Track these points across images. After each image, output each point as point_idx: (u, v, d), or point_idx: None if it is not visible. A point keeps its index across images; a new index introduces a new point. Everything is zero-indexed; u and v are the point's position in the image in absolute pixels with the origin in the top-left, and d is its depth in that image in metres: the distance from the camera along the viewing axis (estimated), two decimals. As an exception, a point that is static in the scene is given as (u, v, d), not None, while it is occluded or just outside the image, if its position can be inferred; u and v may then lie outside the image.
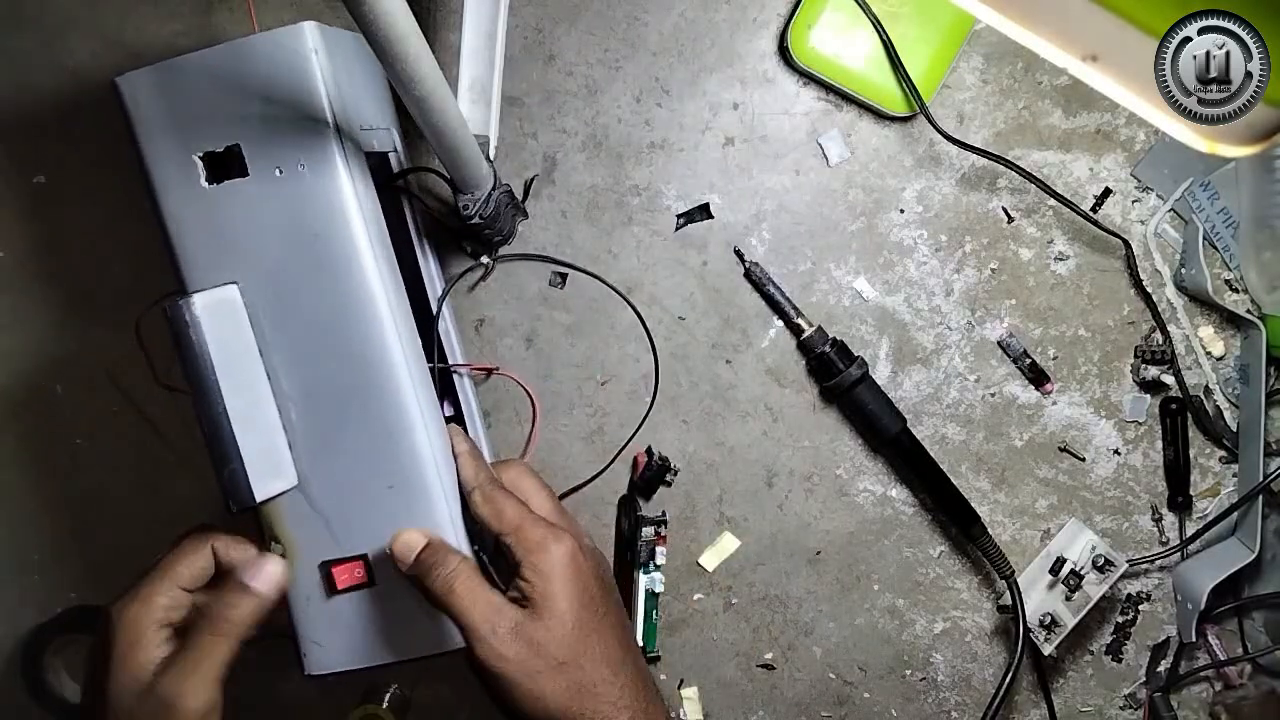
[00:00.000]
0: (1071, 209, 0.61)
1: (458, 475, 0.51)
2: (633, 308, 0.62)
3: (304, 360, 0.49)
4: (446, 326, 0.59)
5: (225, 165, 0.48)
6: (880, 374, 0.62)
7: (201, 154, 0.48)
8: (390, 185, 0.55)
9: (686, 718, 0.64)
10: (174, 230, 0.49)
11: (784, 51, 0.60)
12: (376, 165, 0.52)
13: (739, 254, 0.62)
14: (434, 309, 0.57)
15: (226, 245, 0.49)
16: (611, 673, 0.48)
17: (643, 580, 0.61)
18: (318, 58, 0.47)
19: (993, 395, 0.63)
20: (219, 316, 0.47)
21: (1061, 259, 0.62)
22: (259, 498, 0.47)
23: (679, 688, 0.64)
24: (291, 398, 0.49)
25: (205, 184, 0.48)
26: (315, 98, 0.47)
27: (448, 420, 0.53)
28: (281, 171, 0.47)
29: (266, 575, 0.48)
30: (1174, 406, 0.62)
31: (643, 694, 0.49)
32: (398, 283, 0.51)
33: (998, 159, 0.60)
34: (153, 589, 0.47)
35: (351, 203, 0.48)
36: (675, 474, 0.63)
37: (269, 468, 0.48)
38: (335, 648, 0.51)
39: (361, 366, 0.49)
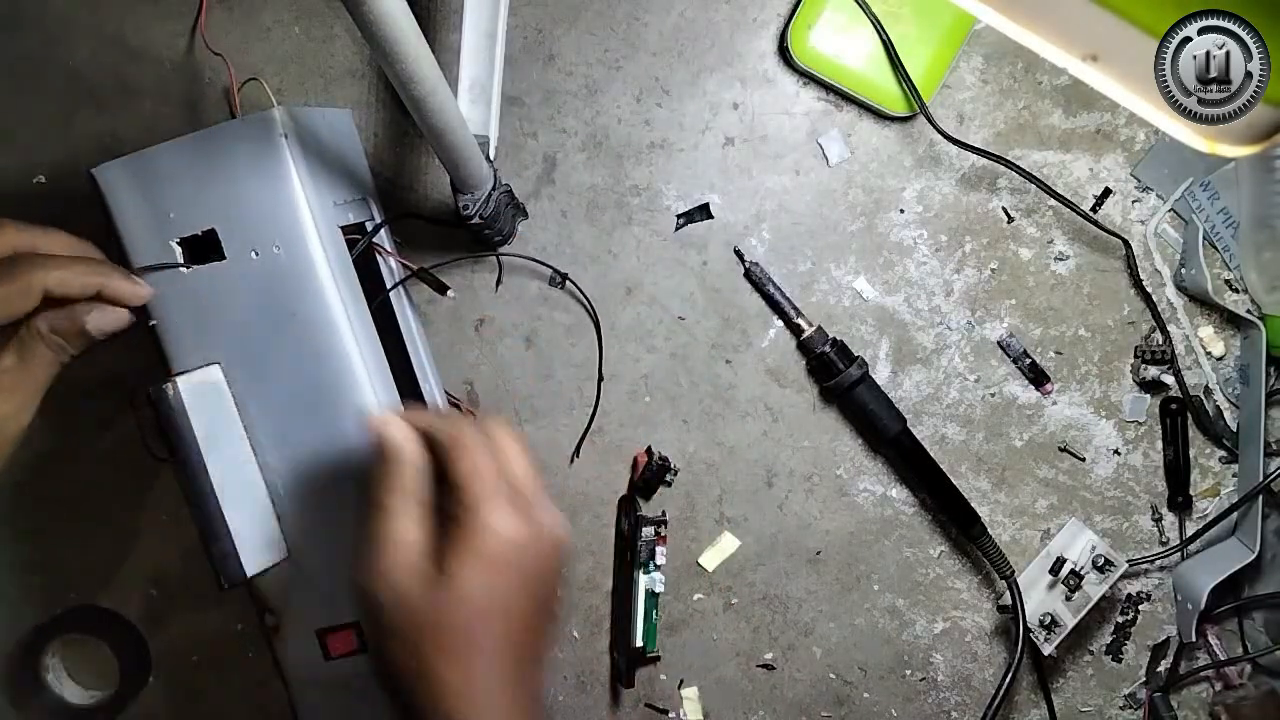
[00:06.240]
0: (1071, 209, 0.61)
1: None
2: (595, 321, 0.62)
3: (288, 434, 0.50)
4: (431, 389, 0.60)
5: (203, 249, 0.49)
6: (880, 374, 0.62)
7: (179, 239, 0.49)
8: (357, 253, 0.54)
9: (686, 718, 0.64)
10: (156, 312, 0.50)
11: (784, 51, 0.60)
12: (352, 232, 0.53)
13: (739, 254, 0.62)
14: (418, 375, 0.58)
15: (208, 325, 0.50)
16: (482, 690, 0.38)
17: (643, 580, 0.61)
18: (287, 142, 0.48)
19: (993, 395, 0.63)
20: (202, 396, 0.48)
21: (1061, 259, 0.62)
22: (250, 572, 0.48)
23: (679, 688, 0.64)
24: (278, 471, 0.50)
25: (184, 268, 0.49)
26: (287, 181, 0.48)
27: None
28: (257, 254, 0.49)
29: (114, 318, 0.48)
30: (1174, 406, 0.62)
31: None
32: (378, 354, 0.51)
33: (998, 159, 0.60)
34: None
35: (327, 280, 0.49)
36: (675, 474, 0.63)
37: (259, 542, 0.49)
38: (330, 713, 0.53)
39: (345, 439, 0.49)
